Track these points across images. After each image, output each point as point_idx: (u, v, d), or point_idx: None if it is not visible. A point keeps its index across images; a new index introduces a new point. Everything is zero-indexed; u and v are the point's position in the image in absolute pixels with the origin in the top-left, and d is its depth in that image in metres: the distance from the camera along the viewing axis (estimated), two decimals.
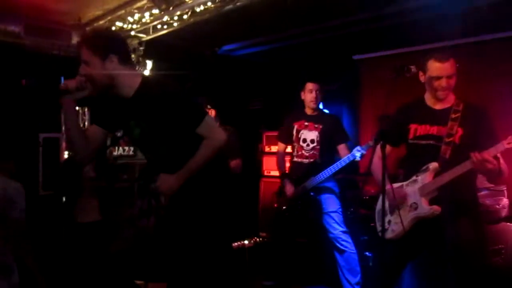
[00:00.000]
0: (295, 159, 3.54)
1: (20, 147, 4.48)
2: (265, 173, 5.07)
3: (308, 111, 3.54)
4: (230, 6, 3.06)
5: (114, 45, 1.96)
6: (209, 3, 3.15)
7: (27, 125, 4.72)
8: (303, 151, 3.48)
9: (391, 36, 4.29)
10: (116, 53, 1.92)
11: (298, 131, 3.53)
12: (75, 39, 4.31)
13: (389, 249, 2.34)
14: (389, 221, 2.37)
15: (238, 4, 3.01)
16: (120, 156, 5.44)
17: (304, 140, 3.50)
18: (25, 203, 2.41)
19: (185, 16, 3.40)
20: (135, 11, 3.67)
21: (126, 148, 5.69)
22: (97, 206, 4.16)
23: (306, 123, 3.50)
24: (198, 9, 3.26)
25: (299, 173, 3.48)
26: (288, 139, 3.62)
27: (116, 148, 5.43)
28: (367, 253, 3.59)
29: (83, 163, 3.17)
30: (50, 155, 4.80)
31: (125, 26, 3.88)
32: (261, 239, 4.84)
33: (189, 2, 3.19)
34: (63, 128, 4.88)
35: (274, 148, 5.05)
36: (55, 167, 4.61)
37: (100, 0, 3.81)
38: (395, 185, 2.39)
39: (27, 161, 4.56)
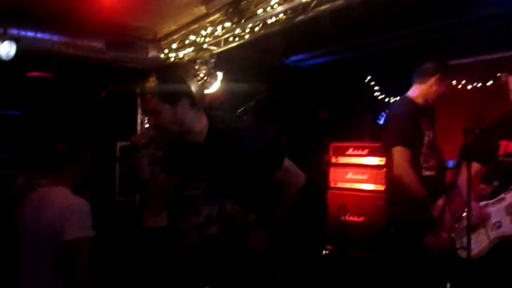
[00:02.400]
0: (426, 172, 2.50)
1: (99, 155, 4.75)
2: (332, 185, 4.98)
3: (423, 103, 2.61)
4: (302, 17, 3.06)
5: (182, 88, 1.86)
6: (281, 15, 3.17)
7: (106, 134, 5.05)
8: (433, 159, 2.53)
9: (471, 43, 4.05)
10: (185, 96, 1.81)
11: (426, 131, 2.55)
12: (151, 53, 4.55)
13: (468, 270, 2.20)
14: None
15: (310, 14, 2.99)
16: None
17: (431, 144, 2.56)
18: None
19: (256, 28, 3.45)
20: (208, 24, 3.79)
21: None
22: (165, 212, 4.25)
23: (426, 120, 2.58)
24: (269, 21, 3.29)
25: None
26: (414, 141, 2.48)
27: None
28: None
29: None
30: (126, 163, 5.07)
31: (197, 39, 4.02)
32: (327, 251, 4.74)
33: (261, 14, 3.23)
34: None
35: (341, 159, 4.95)
36: (131, 174, 4.85)
37: (174, 15, 3.98)
38: (481, 203, 2.24)
39: (105, 169, 4.84)
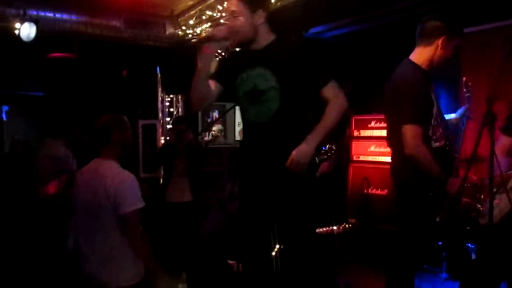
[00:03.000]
0: (435, 144, 2.36)
1: None
2: (354, 158, 4.92)
3: (427, 67, 2.38)
4: None
5: (265, 1, 2.08)
6: None
7: (127, 113, 5.11)
8: (440, 128, 2.39)
9: (496, 7, 3.84)
10: (265, 9, 2.01)
11: (435, 99, 2.41)
12: (169, 30, 4.52)
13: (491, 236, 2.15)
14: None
15: None
16: (211, 141, 5.68)
17: (438, 113, 2.41)
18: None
19: (272, 0, 3.36)
20: None
21: (216, 131, 5.93)
22: (188, 187, 4.31)
23: (432, 85, 2.43)
24: None
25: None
26: (427, 116, 2.33)
27: (207, 133, 5.66)
28: (469, 244, 3.34)
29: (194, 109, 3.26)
30: (148, 141, 5.15)
31: (214, 14, 3.97)
32: (350, 225, 4.73)
33: None
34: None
35: (363, 133, 4.88)
36: (153, 151, 4.92)
37: None
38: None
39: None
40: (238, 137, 5.92)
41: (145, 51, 4.83)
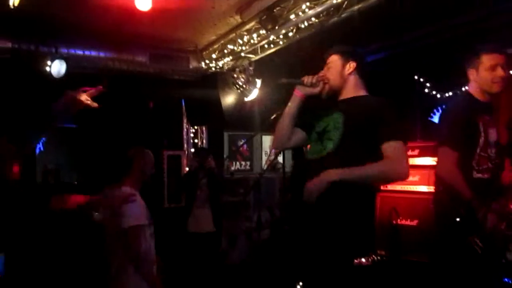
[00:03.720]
0: (477, 175, 2.29)
1: None
2: (381, 187, 4.79)
3: (482, 97, 2.37)
4: (335, 19, 2.97)
5: (356, 53, 2.11)
6: (313, 19, 3.11)
7: (153, 143, 5.21)
8: (489, 162, 2.32)
9: None
10: (356, 60, 2.05)
11: (484, 131, 2.32)
12: (192, 64, 4.64)
13: None
14: None
15: (343, 15, 2.91)
16: (237, 170, 5.68)
17: (489, 144, 2.33)
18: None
19: (290, 34, 3.41)
20: (244, 33, 3.80)
21: (243, 162, 5.94)
22: (210, 217, 4.30)
23: (487, 118, 2.35)
24: (302, 26, 3.24)
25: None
26: (466, 142, 2.29)
27: (234, 162, 5.69)
28: (506, 279, 3.15)
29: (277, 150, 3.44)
30: (173, 171, 5.21)
31: (235, 48, 4.04)
32: (378, 257, 4.56)
33: (294, 19, 3.19)
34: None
35: None
36: (178, 181, 4.96)
37: (212, 26, 4.03)
38: None
39: (153, 177, 4.99)
40: (264, 166, 5.91)
41: (170, 84, 4.96)
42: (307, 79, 1.99)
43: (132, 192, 2.36)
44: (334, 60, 2.04)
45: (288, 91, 2.09)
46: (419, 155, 4.54)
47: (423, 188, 4.44)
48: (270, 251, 5.10)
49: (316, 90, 2.01)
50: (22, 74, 3.84)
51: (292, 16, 3.17)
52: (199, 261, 4.25)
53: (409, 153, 4.66)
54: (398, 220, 4.52)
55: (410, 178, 4.68)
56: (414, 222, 4.42)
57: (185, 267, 4.14)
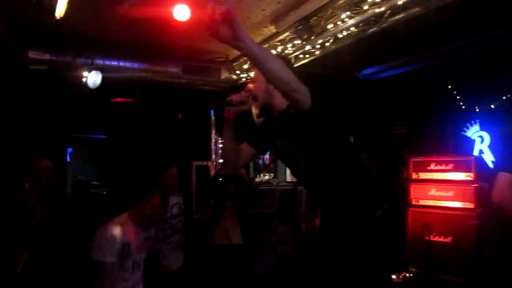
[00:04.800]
0: None
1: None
2: (413, 202, 4.68)
3: None
4: (375, 29, 2.94)
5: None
6: (352, 28, 3.08)
7: (182, 154, 5.24)
8: None
9: None
10: None
11: None
12: (223, 75, 4.67)
13: None
14: None
15: (383, 25, 2.87)
16: (262, 183, 5.65)
17: None
18: None
19: (327, 44, 3.39)
20: (278, 43, 3.80)
21: (267, 175, 5.90)
22: (238, 229, 4.25)
23: None
24: (340, 35, 3.21)
25: None
26: None
27: (258, 174, 5.65)
28: None
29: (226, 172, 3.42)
30: (201, 182, 5.21)
31: None
32: (410, 274, 4.43)
33: (331, 29, 3.16)
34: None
35: (422, 175, 4.65)
36: (206, 192, 4.95)
37: None
38: None
39: (182, 187, 5.00)
40: (289, 178, 5.86)
41: (199, 94, 5.00)
42: (234, 97, 1.93)
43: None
44: (258, 74, 1.92)
45: None
46: (453, 170, 4.42)
47: (458, 204, 4.30)
48: (294, 265, 5.02)
49: (246, 107, 1.93)
50: (58, 85, 3.94)
51: (330, 26, 3.14)
52: (225, 273, 4.19)
53: (442, 167, 4.56)
54: (431, 237, 4.39)
55: (443, 193, 4.56)
56: (448, 239, 4.29)
57: (210, 280, 4.09)
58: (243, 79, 4.59)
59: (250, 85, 1.99)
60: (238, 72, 4.68)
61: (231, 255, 4.18)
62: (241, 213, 4.23)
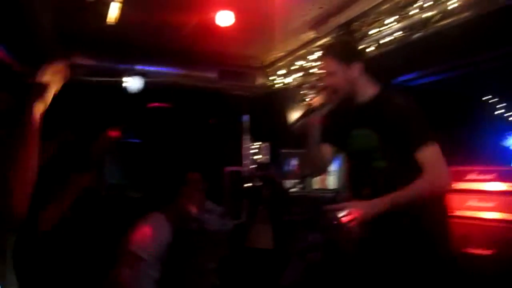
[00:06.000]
0: None
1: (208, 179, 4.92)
2: (450, 213, 4.54)
3: None
4: (421, 33, 2.87)
5: (357, 52, 2.06)
6: (396, 34, 3.02)
7: (214, 159, 5.26)
8: None
9: None
10: (359, 60, 1.95)
11: None
12: (258, 80, 4.68)
13: None
14: None
15: (430, 30, 2.80)
16: (292, 188, 5.61)
17: None
18: None
19: (368, 49, 3.33)
20: (316, 49, 3.78)
21: (297, 180, 5.86)
22: (270, 234, 4.25)
23: None
24: (382, 41, 3.16)
25: None
26: None
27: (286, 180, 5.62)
28: None
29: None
30: (233, 187, 5.21)
31: (305, 64, 4.03)
32: None
33: (374, 34, 3.12)
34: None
35: (460, 185, 4.51)
36: (240, 195, 4.96)
37: (283, 42, 4.05)
38: None
39: (214, 193, 5.01)
40: (316, 185, 5.81)
41: (232, 99, 5.03)
42: (315, 101, 1.91)
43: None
44: (333, 65, 1.91)
45: None
46: (494, 180, 4.27)
47: (500, 215, 4.16)
48: (323, 273, 4.95)
49: (331, 105, 1.94)
50: (101, 90, 4.02)
51: (373, 31, 3.09)
52: (254, 277, 4.20)
53: (482, 177, 4.42)
54: (470, 249, 4.25)
55: (484, 204, 4.41)
56: (489, 252, 4.14)
57: (239, 283, 4.09)
58: (279, 85, 4.58)
59: (330, 80, 1.94)
60: (272, 77, 4.68)
61: (262, 259, 4.19)
62: (274, 218, 4.23)
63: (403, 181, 1.76)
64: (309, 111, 1.94)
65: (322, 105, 1.94)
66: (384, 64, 3.99)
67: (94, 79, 3.95)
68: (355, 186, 2.00)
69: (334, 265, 4.68)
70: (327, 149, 2.06)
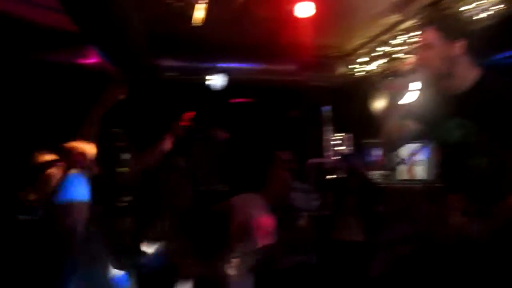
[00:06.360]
0: None
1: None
2: None
3: None
4: None
5: (465, 28, 1.82)
6: (487, 12, 2.75)
7: (296, 151, 5.26)
8: None
9: None
10: (466, 38, 1.75)
11: None
12: (339, 70, 4.58)
13: None
14: None
15: None
16: (378, 179, 5.43)
17: None
18: None
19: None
20: (401, 32, 3.61)
21: (383, 171, 5.66)
22: (358, 226, 4.18)
23: None
24: (476, 17, 2.91)
25: None
26: None
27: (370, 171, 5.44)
28: None
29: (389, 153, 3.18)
30: (317, 180, 5.17)
31: (389, 50, 3.87)
32: None
33: (468, 11, 2.88)
34: None
35: None
36: (325, 187, 4.92)
37: (364, 28, 3.92)
38: None
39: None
40: (401, 175, 5.56)
41: (313, 91, 4.98)
42: (403, 67, 1.76)
43: None
44: (435, 38, 1.70)
45: None
46: None
47: None
48: (413, 267, 4.73)
49: (414, 78, 1.76)
50: (186, 89, 4.23)
51: (466, 7, 2.86)
52: (343, 269, 4.16)
53: None
54: None
55: None
56: None
57: (327, 274, 4.07)
58: (361, 73, 4.46)
59: (421, 54, 1.78)
60: (353, 66, 4.56)
61: (350, 252, 4.15)
62: (362, 210, 4.16)
63: (507, 185, 1.59)
64: (386, 76, 1.84)
65: (402, 74, 1.81)
66: (480, 43, 3.68)
67: (180, 78, 4.15)
68: (446, 183, 1.84)
69: (427, 259, 4.46)
70: (407, 125, 1.91)
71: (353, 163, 4.14)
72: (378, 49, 4.09)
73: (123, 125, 2.49)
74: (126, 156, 2.37)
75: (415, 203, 5.39)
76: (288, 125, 5.29)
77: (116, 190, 2.33)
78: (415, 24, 3.42)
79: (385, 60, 4.03)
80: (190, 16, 2.73)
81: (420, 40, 1.80)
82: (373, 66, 4.24)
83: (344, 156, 4.87)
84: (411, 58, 1.87)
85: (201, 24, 2.87)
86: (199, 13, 2.73)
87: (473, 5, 2.83)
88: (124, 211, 2.33)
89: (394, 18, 3.58)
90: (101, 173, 2.11)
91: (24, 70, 3.70)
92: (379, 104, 4.68)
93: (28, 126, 3.58)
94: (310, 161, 5.16)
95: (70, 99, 3.84)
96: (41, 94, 3.86)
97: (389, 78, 1.84)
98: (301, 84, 4.67)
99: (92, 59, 3.80)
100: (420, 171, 4.94)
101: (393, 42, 3.77)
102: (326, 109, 5.27)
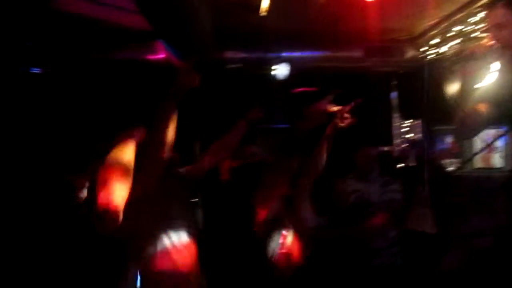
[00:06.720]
0: None
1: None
2: None
3: None
4: None
5: None
6: None
7: (362, 139, 5.14)
8: None
9: None
10: None
11: None
12: (408, 53, 4.39)
13: None
14: None
15: None
16: (451, 167, 5.18)
17: None
18: None
19: None
20: (478, 9, 3.36)
21: (451, 160, 5.38)
22: (430, 217, 4.04)
23: None
24: None
25: None
26: None
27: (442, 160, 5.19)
28: None
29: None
30: (385, 168, 5.02)
31: (464, 29, 3.62)
32: None
33: None
34: None
35: None
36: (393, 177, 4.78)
37: (435, 8, 3.71)
38: None
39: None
40: (480, 164, 5.24)
41: (380, 77, 4.83)
42: (478, 48, 1.71)
43: None
44: (508, 18, 1.63)
45: None
46: None
47: None
48: (491, 260, 4.47)
49: (490, 61, 1.72)
50: (251, 80, 4.29)
51: None
52: (413, 260, 4.06)
53: None
54: None
55: None
56: None
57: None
58: (431, 55, 4.23)
59: (500, 33, 1.72)
60: (424, 49, 4.33)
61: (422, 243, 4.05)
62: (435, 200, 4.01)
63: None
64: (459, 60, 1.74)
65: (476, 57, 1.73)
66: None
67: (245, 69, 4.21)
68: None
69: (506, 254, 4.19)
70: (483, 109, 1.81)
71: (423, 151, 3.96)
72: (452, 29, 3.85)
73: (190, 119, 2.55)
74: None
75: (493, 193, 5.08)
76: (354, 113, 5.17)
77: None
78: None
79: (460, 40, 3.79)
80: (255, 6, 2.75)
81: (492, 19, 1.73)
82: (446, 48, 4.00)
83: (412, 144, 4.69)
84: (487, 39, 1.74)
85: (265, 13, 2.87)
86: (264, 2, 2.74)
87: None
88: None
89: None
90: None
91: (95, 68, 3.96)
92: (452, 88, 4.44)
93: (99, 121, 3.81)
94: (377, 148, 5.02)
95: (140, 94, 4.04)
96: (114, 90, 4.11)
97: (464, 60, 1.73)
98: (368, 70, 4.54)
99: (160, 54, 3.96)
100: (498, 159, 4.68)
101: (470, 20, 3.53)
102: (394, 95, 5.09)
